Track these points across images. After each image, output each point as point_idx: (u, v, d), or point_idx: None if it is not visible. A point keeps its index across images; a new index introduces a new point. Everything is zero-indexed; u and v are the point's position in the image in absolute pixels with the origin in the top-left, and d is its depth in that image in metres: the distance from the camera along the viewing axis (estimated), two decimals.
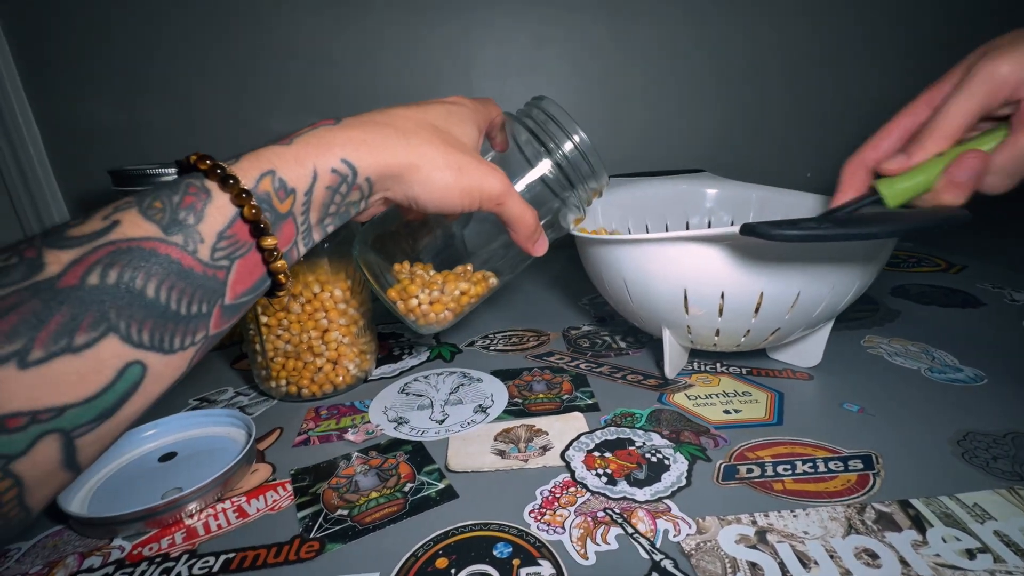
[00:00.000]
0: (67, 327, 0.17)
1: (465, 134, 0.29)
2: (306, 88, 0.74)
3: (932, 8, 0.76)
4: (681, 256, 0.34)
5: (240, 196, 0.20)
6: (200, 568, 0.26)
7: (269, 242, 0.21)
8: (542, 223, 0.36)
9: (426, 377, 0.45)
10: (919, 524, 0.26)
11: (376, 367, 0.47)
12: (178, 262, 0.19)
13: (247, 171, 0.21)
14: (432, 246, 0.38)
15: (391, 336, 0.54)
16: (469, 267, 0.37)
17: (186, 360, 0.20)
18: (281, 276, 0.22)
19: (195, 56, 0.73)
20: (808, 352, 0.42)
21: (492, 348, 0.49)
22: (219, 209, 0.20)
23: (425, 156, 0.26)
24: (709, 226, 0.53)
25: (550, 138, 0.34)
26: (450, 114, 0.29)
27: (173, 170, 0.48)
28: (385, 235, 0.37)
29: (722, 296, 0.35)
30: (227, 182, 0.20)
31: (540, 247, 0.33)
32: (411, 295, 0.36)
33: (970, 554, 0.24)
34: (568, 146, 0.34)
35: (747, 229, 0.29)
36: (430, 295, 0.36)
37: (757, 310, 0.35)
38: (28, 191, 0.77)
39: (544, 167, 0.35)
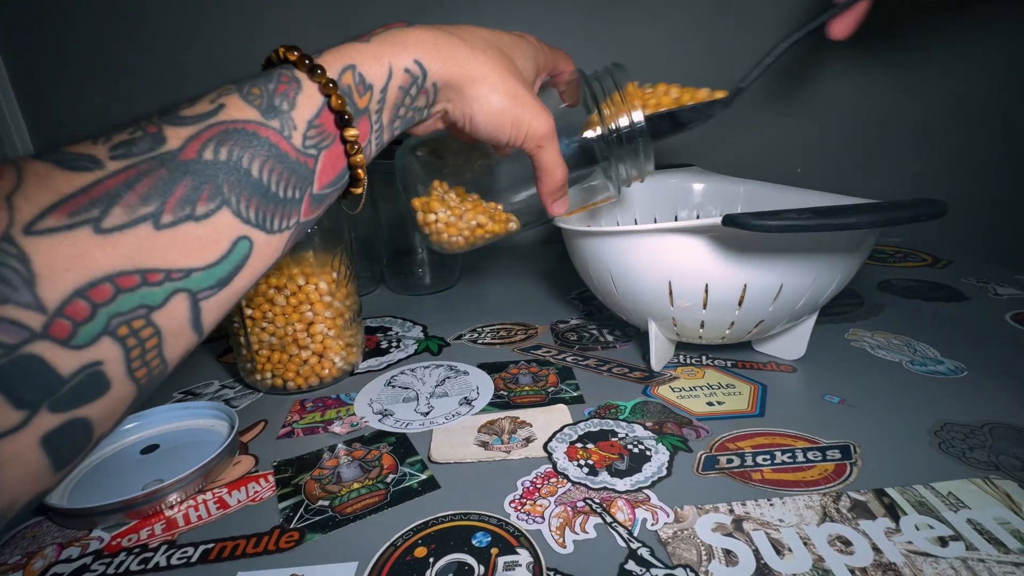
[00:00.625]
0: (190, 197, 0.18)
1: (526, 68, 0.30)
2: None
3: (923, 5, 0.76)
4: (666, 248, 0.35)
5: (328, 86, 0.21)
6: (179, 558, 0.26)
7: (351, 133, 0.22)
8: (573, 188, 0.36)
9: (412, 370, 0.45)
10: (893, 512, 0.26)
11: (363, 360, 0.47)
12: (276, 146, 0.20)
13: (331, 64, 0.22)
14: (470, 175, 0.38)
15: (379, 329, 0.54)
16: (500, 207, 0.37)
17: (283, 243, 0.22)
18: (359, 171, 0.24)
19: (185, 49, 0.72)
20: (792, 345, 0.42)
21: (480, 341, 0.49)
22: (309, 98, 0.21)
23: (488, 75, 0.27)
24: (697, 219, 0.53)
25: (612, 108, 0.34)
26: (516, 44, 0.30)
27: None
28: (430, 150, 0.37)
29: (706, 288, 0.35)
30: (315, 72, 0.21)
31: (558, 206, 0.34)
32: (432, 210, 0.36)
33: (942, 541, 0.25)
34: (625, 122, 0.34)
35: (729, 220, 0.29)
36: (448, 216, 0.36)
37: (741, 302, 0.35)
38: None
39: (596, 134, 0.34)
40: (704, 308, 0.36)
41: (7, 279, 0.15)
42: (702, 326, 0.38)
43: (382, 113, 0.24)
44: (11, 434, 0.15)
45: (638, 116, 0.34)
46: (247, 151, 0.19)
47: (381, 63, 0.23)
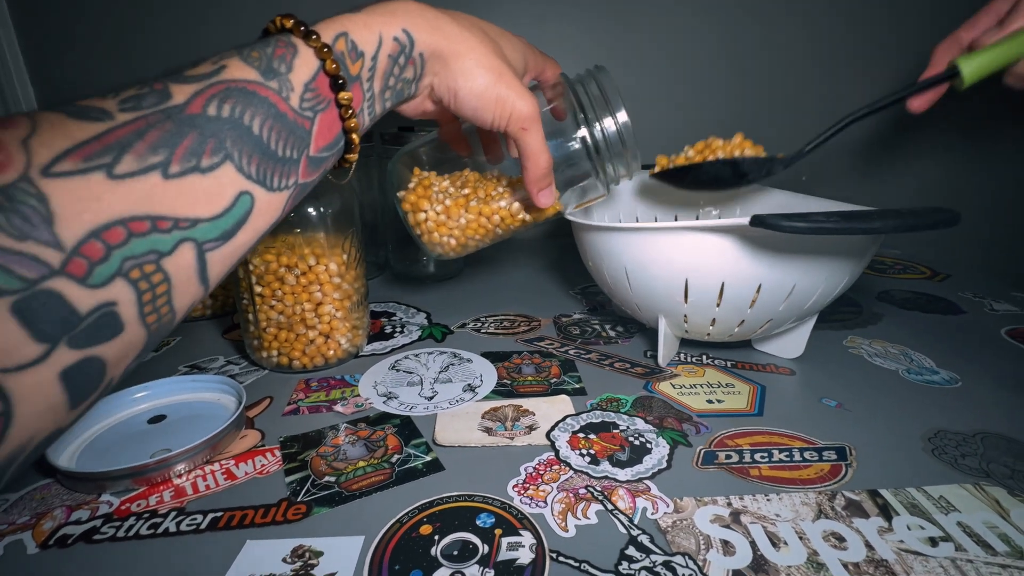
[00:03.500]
0: (195, 149, 0.19)
1: (513, 58, 0.31)
2: None
3: (932, 14, 0.76)
4: (686, 246, 0.35)
5: (323, 50, 0.22)
6: (188, 525, 0.27)
7: (345, 96, 0.23)
8: (565, 193, 0.37)
9: (416, 356, 0.45)
10: (886, 512, 0.27)
11: (367, 343, 0.47)
12: (275, 106, 0.21)
13: (324, 31, 0.23)
14: (457, 161, 0.38)
15: (383, 314, 0.54)
16: (494, 176, 0.37)
17: (283, 202, 0.22)
18: (354, 135, 0.24)
19: (198, 25, 0.72)
20: (792, 344, 0.43)
21: (483, 331, 0.50)
22: (305, 63, 0.22)
23: (473, 50, 0.27)
24: (697, 220, 0.54)
25: (594, 110, 0.35)
26: (504, 35, 0.31)
27: None
28: (420, 150, 0.39)
29: (722, 286, 0.35)
30: (310, 37, 0.22)
31: (544, 196, 0.34)
32: (420, 209, 0.37)
33: (932, 542, 0.25)
34: (609, 123, 0.35)
35: (757, 220, 0.29)
36: (438, 215, 0.37)
37: (754, 301, 0.36)
38: None
39: (581, 135, 0.35)
40: (717, 306, 0.36)
41: (27, 216, 0.15)
42: (713, 323, 0.38)
43: (373, 81, 0.25)
44: (32, 366, 0.16)
45: (623, 116, 0.35)
46: (248, 109, 0.20)
47: (372, 31, 0.24)
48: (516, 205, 0.38)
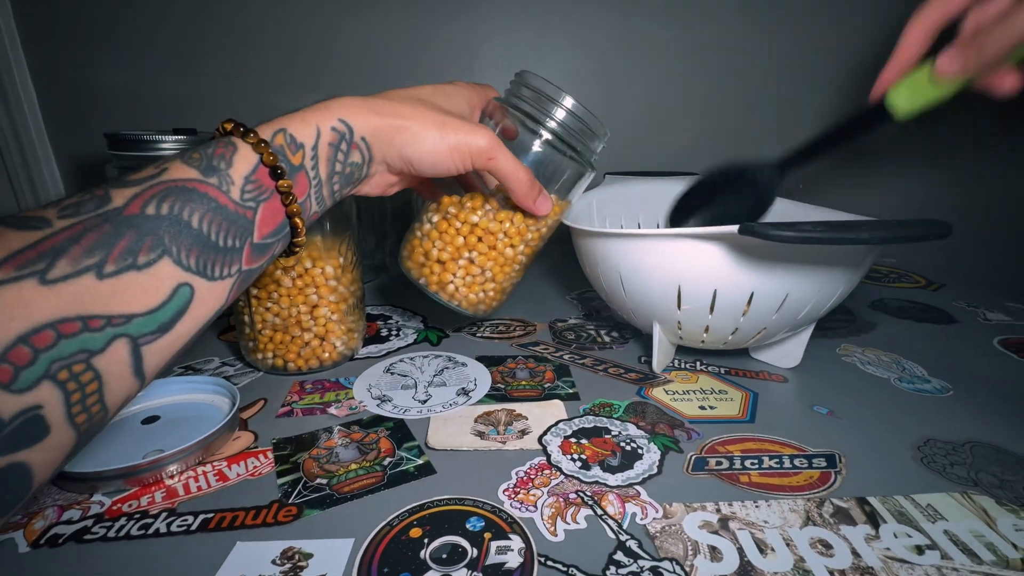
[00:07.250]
0: (132, 248, 0.20)
1: (453, 105, 0.32)
2: (309, 71, 0.74)
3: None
4: (678, 252, 0.35)
5: (259, 145, 0.24)
6: (178, 526, 0.27)
7: (285, 184, 0.24)
8: (556, 188, 0.38)
9: (411, 359, 0.45)
10: (873, 520, 0.27)
11: (363, 346, 0.47)
12: (215, 200, 0.22)
13: (263, 129, 0.25)
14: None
15: (379, 317, 0.54)
16: (490, 203, 0.38)
17: (225, 290, 0.23)
18: (297, 220, 0.26)
19: (203, 31, 0.72)
20: (789, 353, 0.43)
21: (479, 335, 0.50)
22: (244, 157, 0.24)
23: (410, 118, 0.29)
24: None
25: (541, 109, 0.36)
26: (438, 91, 0.32)
27: (170, 138, 0.48)
28: (415, 235, 0.41)
29: (714, 294, 0.36)
30: (248, 134, 0.24)
31: (542, 204, 0.35)
32: (446, 282, 0.39)
33: (919, 550, 0.25)
34: (560, 112, 0.36)
35: (746, 229, 0.30)
36: (463, 279, 0.39)
37: (746, 309, 0.36)
38: (21, 152, 0.77)
39: (542, 137, 0.36)
40: (711, 313, 0.37)
41: None
42: (706, 331, 0.39)
43: (317, 168, 0.26)
44: None
45: (568, 100, 0.36)
46: (188, 205, 0.21)
47: (309, 125, 0.26)
48: (518, 227, 0.38)
